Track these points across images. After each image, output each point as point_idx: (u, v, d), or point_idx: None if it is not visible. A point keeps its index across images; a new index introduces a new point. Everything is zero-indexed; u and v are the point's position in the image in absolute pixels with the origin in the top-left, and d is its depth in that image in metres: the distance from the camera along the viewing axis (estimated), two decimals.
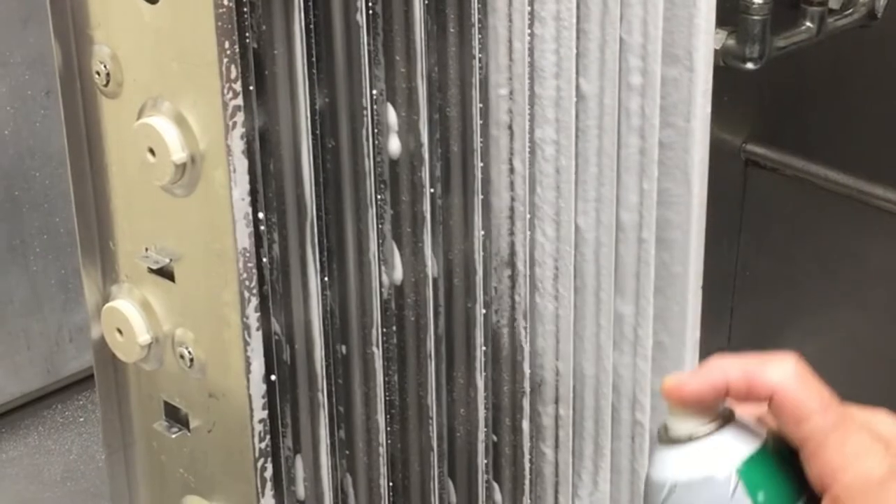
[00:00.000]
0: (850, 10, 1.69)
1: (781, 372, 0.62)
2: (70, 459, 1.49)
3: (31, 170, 1.40)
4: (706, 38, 1.08)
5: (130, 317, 0.96)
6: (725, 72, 1.51)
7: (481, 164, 1.00)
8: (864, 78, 1.72)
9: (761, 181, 1.78)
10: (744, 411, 0.65)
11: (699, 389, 0.63)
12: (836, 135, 1.73)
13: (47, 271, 1.45)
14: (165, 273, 0.94)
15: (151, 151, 0.89)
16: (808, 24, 1.65)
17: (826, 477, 0.60)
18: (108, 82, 0.91)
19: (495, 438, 1.11)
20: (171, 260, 0.94)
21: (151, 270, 0.95)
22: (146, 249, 0.95)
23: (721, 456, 0.62)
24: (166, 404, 0.99)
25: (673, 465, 0.63)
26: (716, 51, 1.61)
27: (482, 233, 1.02)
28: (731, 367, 0.63)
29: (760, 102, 1.78)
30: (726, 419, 0.64)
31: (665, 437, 0.64)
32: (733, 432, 0.63)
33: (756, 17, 1.58)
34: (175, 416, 0.99)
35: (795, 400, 0.61)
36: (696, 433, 0.63)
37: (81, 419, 1.53)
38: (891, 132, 1.69)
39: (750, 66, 1.61)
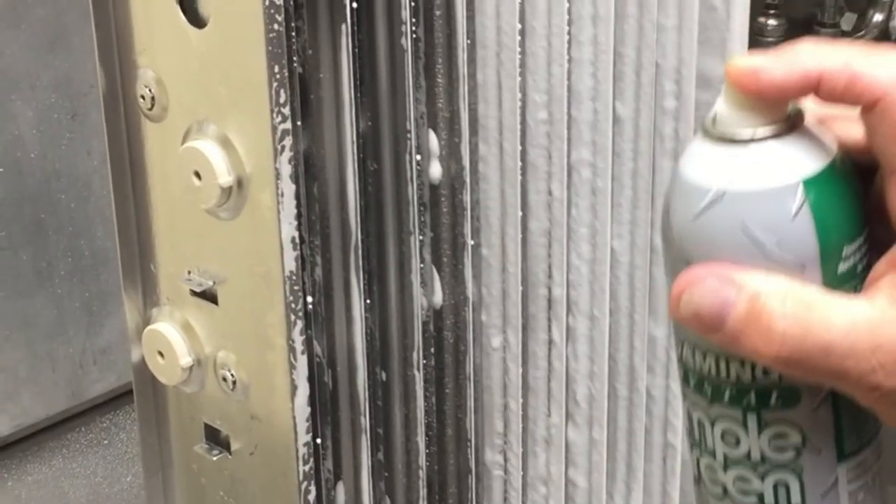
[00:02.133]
0: (863, 32, 1.70)
1: (893, 72, 0.49)
2: (95, 482, 1.49)
3: (56, 192, 1.40)
4: None
5: (172, 339, 0.96)
6: None
7: (520, 187, 1.01)
8: None
9: None
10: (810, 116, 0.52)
11: (784, 79, 0.50)
12: None
13: (72, 294, 1.45)
14: (208, 296, 0.94)
15: (197, 175, 0.89)
16: None
17: None
18: (152, 106, 0.91)
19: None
20: (214, 283, 0.94)
21: (194, 293, 0.95)
22: (189, 272, 0.95)
23: (787, 167, 0.51)
24: (207, 427, 0.99)
25: (723, 168, 0.51)
26: None
27: (520, 254, 1.02)
28: (828, 56, 0.50)
29: None
30: (794, 122, 0.51)
31: (714, 132, 0.52)
32: (803, 140, 0.51)
33: (770, 40, 1.60)
34: (215, 439, 0.99)
35: None
36: (758, 134, 0.51)
37: (105, 442, 1.53)
38: None
39: None
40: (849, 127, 0.52)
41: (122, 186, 0.96)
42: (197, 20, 0.87)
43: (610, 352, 1.11)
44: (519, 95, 0.98)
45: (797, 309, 0.49)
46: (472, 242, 1.00)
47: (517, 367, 1.05)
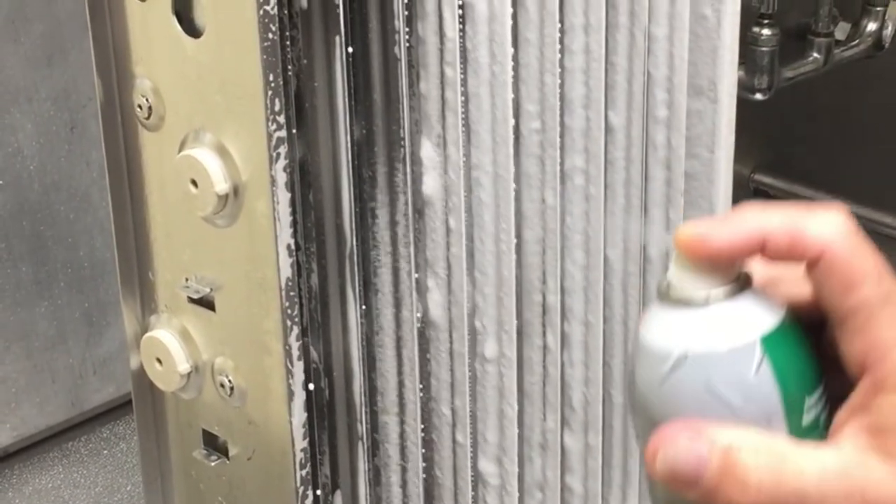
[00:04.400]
0: (857, 41, 1.72)
1: (833, 227, 0.51)
2: (96, 492, 1.49)
3: (55, 204, 1.41)
4: (730, 70, 1.10)
5: (170, 346, 0.97)
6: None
7: (514, 196, 1.02)
8: (870, 107, 1.74)
9: None
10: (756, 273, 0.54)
11: (730, 243, 0.51)
12: (843, 164, 1.76)
13: (71, 305, 1.46)
14: (205, 303, 0.96)
15: (194, 183, 0.90)
16: (816, 55, 1.68)
17: (872, 355, 0.51)
18: (149, 115, 0.93)
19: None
20: (211, 289, 0.95)
21: (191, 300, 0.96)
22: (186, 279, 0.96)
23: (744, 326, 0.52)
24: (205, 433, 1.00)
25: (683, 331, 0.52)
26: None
27: (514, 261, 1.03)
28: (770, 218, 0.51)
29: (768, 132, 1.80)
30: (744, 282, 0.53)
31: (671, 297, 0.53)
32: (754, 299, 0.53)
33: (764, 49, 1.61)
34: (214, 445, 1.00)
35: (848, 262, 0.50)
36: (712, 296, 0.52)
37: (105, 451, 1.54)
38: None
39: (759, 96, 1.64)
40: (791, 286, 0.54)
41: (120, 195, 0.97)
42: (193, 30, 0.89)
43: (605, 358, 1.12)
44: (511, 105, 0.99)
45: (770, 459, 0.51)
46: (466, 250, 1.01)
47: (512, 373, 1.06)
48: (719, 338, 0.52)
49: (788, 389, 0.52)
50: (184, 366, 0.97)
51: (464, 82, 0.97)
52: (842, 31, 1.71)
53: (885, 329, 0.51)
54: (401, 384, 1.01)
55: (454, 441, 1.05)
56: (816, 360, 0.53)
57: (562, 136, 1.03)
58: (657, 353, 0.52)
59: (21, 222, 1.38)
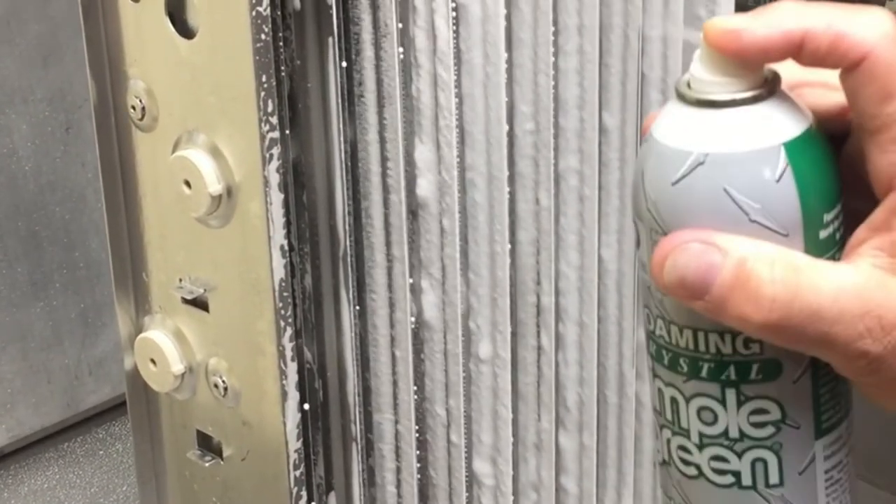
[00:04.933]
0: None
1: (878, 30, 0.47)
2: (91, 493, 1.50)
3: (51, 205, 1.41)
4: None
5: (164, 347, 0.97)
6: None
7: (508, 197, 1.02)
8: None
9: None
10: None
11: (766, 39, 0.47)
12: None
13: (67, 306, 1.47)
14: (199, 303, 0.96)
15: (187, 184, 0.90)
16: None
17: None
18: (143, 116, 0.93)
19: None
20: (205, 290, 0.95)
21: (185, 301, 0.96)
22: (180, 280, 0.96)
23: (770, 130, 0.49)
24: (199, 433, 1.00)
25: (703, 132, 0.49)
26: None
27: (508, 262, 1.03)
28: (810, 16, 0.48)
29: None
30: (772, 86, 0.50)
31: (691, 96, 0.50)
32: (782, 104, 0.50)
33: None
34: (208, 445, 1.00)
35: (892, 68, 0.47)
36: (738, 97, 0.49)
37: (101, 452, 1.54)
38: None
39: None
40: (818, 93, 0.51)
41: (114, 196, 0.97)
42: (186, 31, 0.89)
43: (599, 358, 1.12)
44: (505, 106, 0.99)
45: (786, 274, 0.48)
46: (461, 251, 1.01)
47: (506, 374, 1.06)
48: (742, 140, 0.49)
49: (809, 201, 0.49)
50: (178, 366, 0.97)
51: (458, 83, 0.97)
52: None
53: None
54: (395, 384, 1.01)
55: (449, 441, 1.05)
56: (838, 174, 0.50)
57: (556, 136, 1.03)
58: (673, 154, 0.49)
59: (16, 223, 1.38)
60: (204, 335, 0.96)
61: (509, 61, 0.99)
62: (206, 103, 0.89)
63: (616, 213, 1.09)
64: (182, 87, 0.90)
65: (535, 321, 1.07)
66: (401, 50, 0.92)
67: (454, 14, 0.95)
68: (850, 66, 0.48)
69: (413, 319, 1.00)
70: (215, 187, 0.89)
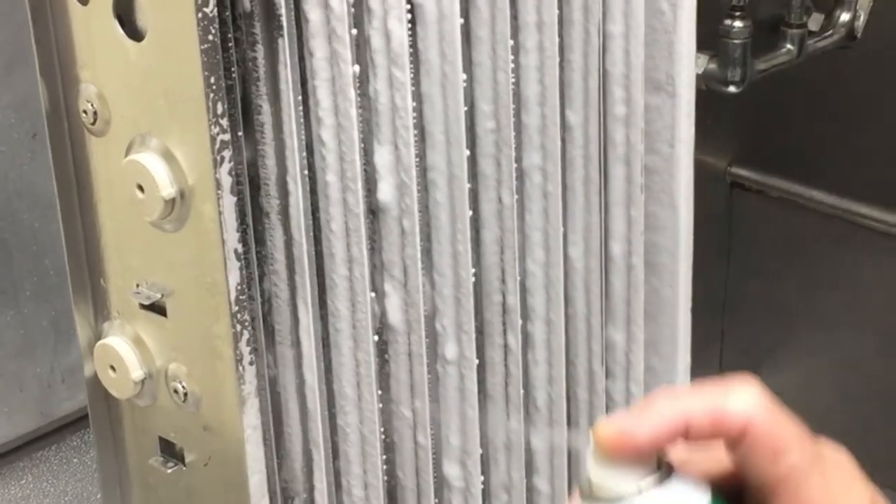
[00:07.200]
0: (830, 32, 1.71)
1: (750, 401, 0.52)
2: (66, 501, 1.49)
3: (19, 212, 1.40)
4: (688, 63, 1.09)
5: (123, 353, 0.96)
6: (708, 96, 1.52)
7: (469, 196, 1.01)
8: (845, 98, 1.73)
9: (747, 203, 1.79)
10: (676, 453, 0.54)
11: (654, 434, 0.51)
12: (819, 155, 1.75)
13: (38, 313, 1.45)
14: (157, 308, 0.95)
15: (140, 188, 0.89)
16: (789, 46, 1.67)
17: None
18: (95, 120, 0.92)
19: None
20: (162, 295, 0.94)
21: (143, 306, 0.95)
22: (137, 285, 0.95)
23: None
24: (161, 440, 1.00)
25: None
26: (698, 75, 1.62)
27: (470, 262, 1.02)
28: (689, 403, 0.52)
29: (744, 125, 1.79)
30: (668, 467, 0.53)
31: (599, 497, 0.52)
32: (681, 483, 0.52)
33: (737, 41, 1.60)
34: (170, 452, 1.00)
35: (773, 432, 0.51)
36: (644, 487, 0.52)
37: (75, 460, 1.53)
38: (873, 151, 1.70)
39: (732, 89, 1.63)
40: (705, 463, 0.54)
41: (69, 201, 0.97)
42: (135, 34, 0.88)
43: (568, 356, 1.11)
44: (464, 105, 0.98)
45: None
46: (424, 251, 1.00)
47: (472, 375, 1.05)
48: None
49: None
50: (137, 373, 0.96)
51: (416, 83, 0.96)
52: (815, 21, 1.70)
53: (815, 491, 0.51)
54: (358, 387, 1.00)
55: (416, 443, 1.04)
56: None
57: (518, 134, 1.02)
58: None
59: None
60: (163, 340, 0.95)
61: (468, 60, 0.98)
62: (156, 106, 0.88)
63: (581, 211, 1.08)
64: (133, 90, 0.89)
65: (502, 320, 1.06)
66: (354, 50, 0.91)
67: (409, 15, 0.94)
68: (734, 439, 0.51)
69: (377, 321, 0.99)
70: (168, 191, 0.89)
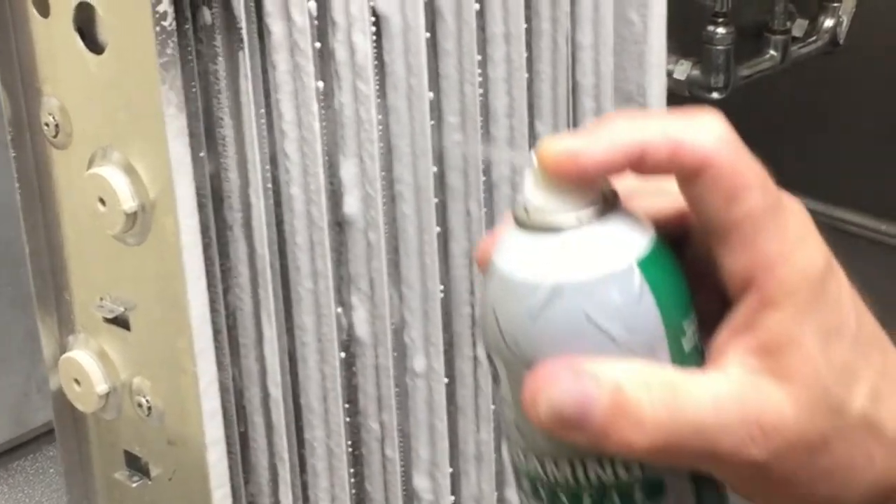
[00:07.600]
0: (814, 38, 1.70)
1: (713, 136, 0.45)
2: None
3: None
4: (658, 73, 1.09)
5: (87, 367, 0.96)
6: (691, 102, 1.52)
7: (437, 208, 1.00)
8: (828, 103, 1.73)
9: None
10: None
11: (605, 158, 0.45)
12: (803, 161, 1.74)
13: (14, 323, 1.45)
14: (121, 322, 0.94)
15: (102, 201, 0.89)
16: (772, 52, 1.67)
17: (759, 270, 0.46)
18: (57, 133, 0.91)
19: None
20: (125, 309, 0.93)
21: (107, 320, 0.95)
22: (101, 299, 0.95)
23: (620, 249, 0.46)
24: (127, 454, 0.99)
25: (553, 260, 0.46)
26: (681, 81, 1.62)
27: (438, 274, 1.02)
28: (647, 129, 0.46)
29: None
30: (612, 199, 0.47)
31: (531, 223, 0.47)
32: (624, 219, 0.47)
33: (720, 47, 1.59)
34: (136, 466, 0.99)
35: (733, 172, 0.46)
36: (583, 218, 0.46)
37: (52, 470, 1.52)
38: (857, 156, 1.70)
39: (715, 95, 1.62)
40: (650, 200, 0.49)
41: (33, 214, 0.96)
42: (96, 47, 0.87)
43: None
44: (431, 117, 0.97)
45: (663, 394, 0.46)
46: (392, 264, 1.00)
47: (441, 387, 1.04)
48: (594, 264, 0.46)
49: (669, 314, 0.47)
50: (102, 386, 0.96)
51: (382, 95, 0.96)
52: (798, 28, 1.70)
53: (772, 241, 0.46)
54: (325, 401, 0.99)
55: (384, 456, 1.04)
56: (686, 280, 0.48)
57: (486, 146, 1.02)
58: (525, 288, 0.46)
59: None
60: (127, 354, 0.95)
61: (434, 72, 0.98)
62: (117, 119, 0.87)
63: None
64: (94, 103, 0.89)
65: (471, 332, 1.06)
66: (319, 64, 0.91)
67: (374, 27, 0.93)
68: (691, 174, 0.46)
69: (343, 334, 0.99)
70: (129, 204, 0.88)
